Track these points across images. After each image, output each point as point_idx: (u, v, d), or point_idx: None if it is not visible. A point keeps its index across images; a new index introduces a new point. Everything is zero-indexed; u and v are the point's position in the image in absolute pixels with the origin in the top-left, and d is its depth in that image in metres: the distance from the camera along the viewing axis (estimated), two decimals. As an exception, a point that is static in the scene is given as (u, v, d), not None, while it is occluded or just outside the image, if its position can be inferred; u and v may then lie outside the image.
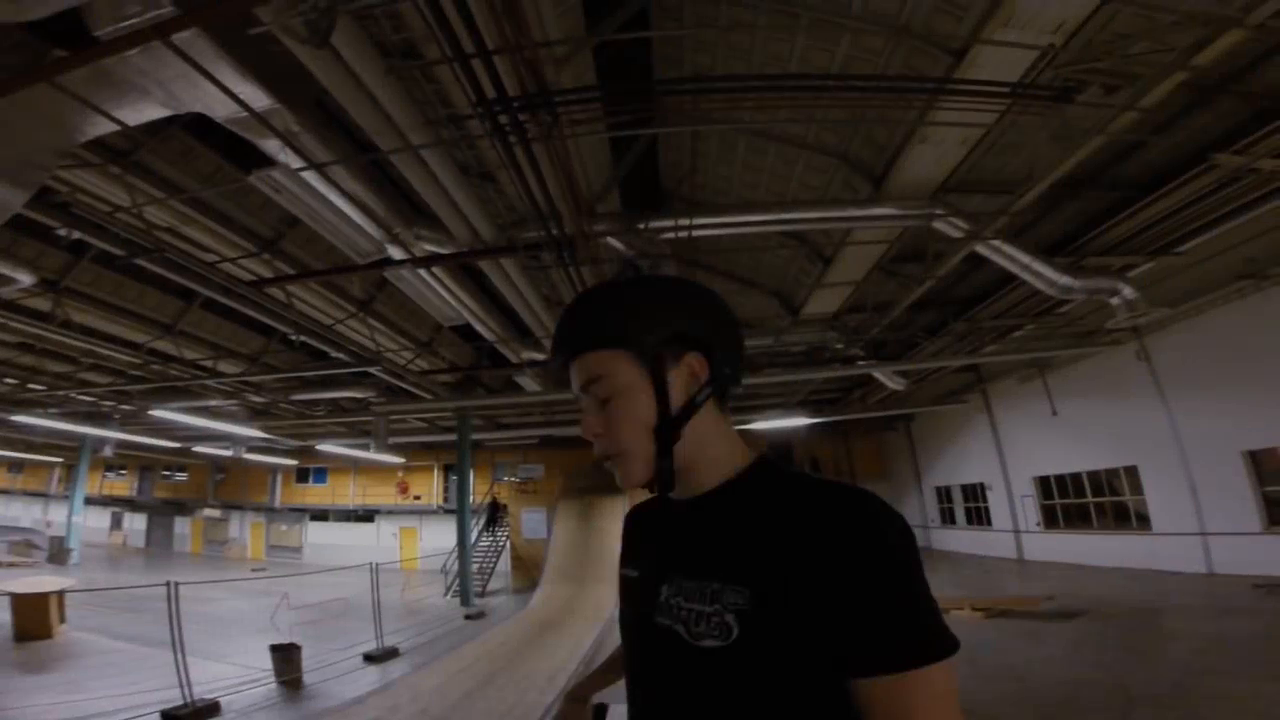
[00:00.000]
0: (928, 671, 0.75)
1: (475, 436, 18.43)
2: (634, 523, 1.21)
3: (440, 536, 24.12)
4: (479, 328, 10.79)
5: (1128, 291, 8.46)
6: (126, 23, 3.66)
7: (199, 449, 20.70)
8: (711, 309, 1.03)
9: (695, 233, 7.49)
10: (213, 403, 14.04)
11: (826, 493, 0.86)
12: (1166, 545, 12.61)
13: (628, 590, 1.07)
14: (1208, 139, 7.13)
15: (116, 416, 15.79)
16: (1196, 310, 11.28)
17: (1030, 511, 17.11)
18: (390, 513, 27.72)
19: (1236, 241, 9.26)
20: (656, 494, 1.02)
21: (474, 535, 21.69)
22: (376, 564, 10.87)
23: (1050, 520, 16.59)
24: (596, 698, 1.35)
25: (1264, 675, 5.93)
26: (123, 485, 32.26)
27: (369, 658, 9.21)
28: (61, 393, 13.12)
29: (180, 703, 6.46)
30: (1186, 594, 10.29)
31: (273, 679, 7.78)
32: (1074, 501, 15.78)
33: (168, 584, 6.98)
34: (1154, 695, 5.82)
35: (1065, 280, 8.18)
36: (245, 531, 29.92)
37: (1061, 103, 5.34)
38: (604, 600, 14.80)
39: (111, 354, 11.06)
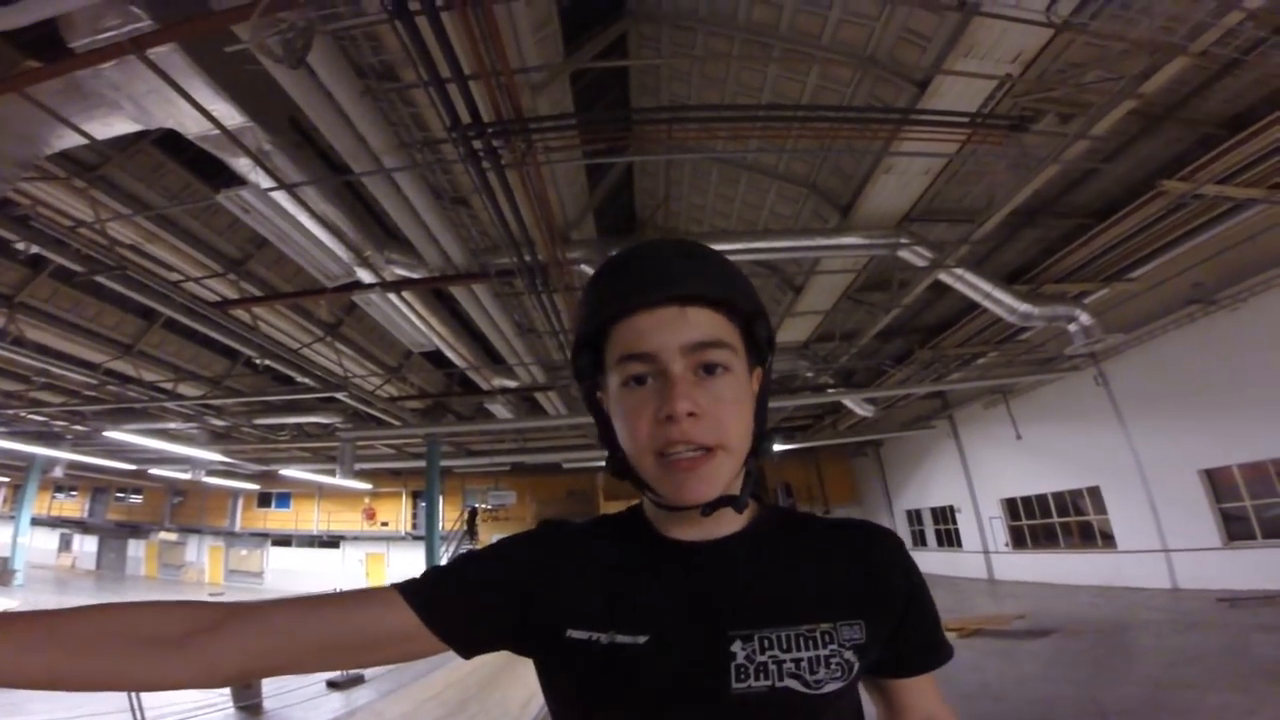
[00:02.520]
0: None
1: (445, 463, 18.14)
2: (574, 561, 0.89)
3: (408, 564, 23.62)
4: (450, 354, 10.69)
5: (1084, 318, 8.74)
6: (103, 35, 3.62)
7: (156, 471, 20.05)
8: None
9: (668, 260, 7.54)
10: (171, 425, 13.64)
11: (869, 528, 0.92)
12: (1131, 562, 12.85)
13: (630, 663, 0.79)
14: (1155, 166, 7.48)
15: (69, 437, 15.25)
16: (1149, 335, 11.65)
17: (999, 532, 17.34)
18: (356, 539, 27.07)
19: (1184, 267, 9.66)
20: (707, 515, 0.81)
21: (450, 551, 21.41)
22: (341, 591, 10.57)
23: (1018, 540, 16.83)
24: None
25: (1233, 687, 6.01)
26: (73, 506, 30.99)
27: (332, 684, 8.86)
28: (11, 411, 12.64)
29: None
30: (1153, 610, 10.44)
31: (230, 704, 7.48)
32: (1040, 522, 16.03)
33: None
34: (1127, 710, 5.87)
35: (1025, 307, 8.41)
36: (203, 555, 28.95)
37: (1018, 132, 5.56)
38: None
39: (66, 373, 10.69)
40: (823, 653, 0.77)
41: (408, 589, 0.86)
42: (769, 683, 0.75)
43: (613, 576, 0.86)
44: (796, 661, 0.76)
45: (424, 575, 0.89)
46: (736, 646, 0.77)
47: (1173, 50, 5.06)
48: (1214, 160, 6.74)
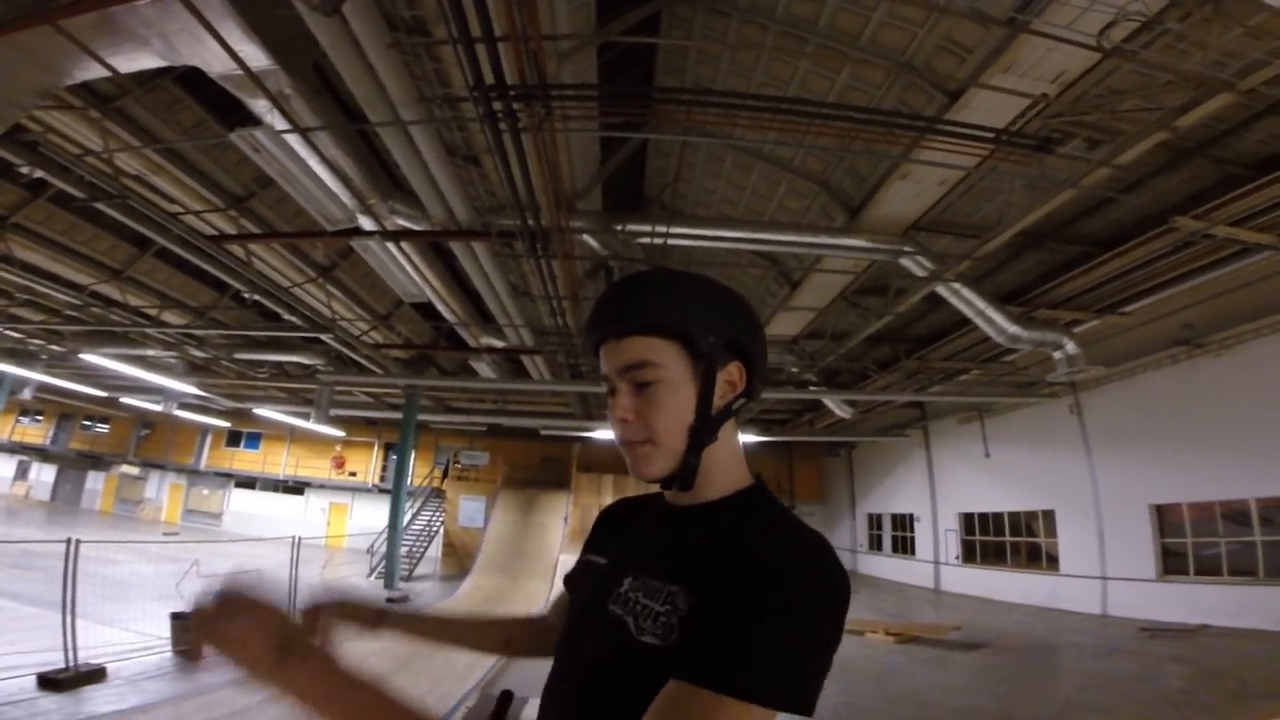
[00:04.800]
0: (716, 699, 0.72)
1: (421, 417, 18.07)
2: (612, 515, 1.24)
3: (372, 516, 23.53)
4: (441, 308, 10.64)
5: (1070, 347, 8.90)
6: (142, -28, 3.55)
7: (127, 400, 19.69)
8: (757, 323, 1.05)
9: (671, 241, 7.57)
10: (150, 352, 13.44)
11: (777, 530, 0.88)
12: (1069, 586, 13.26)
13: (588, 574, 1.09)
14: (1172, 201, 7.45)
15: (44, 357, 14.96)
16: (1130, 372, 11.86)
17: (951, 545, 17.72)
18: (322, 487, 26.85)
19: (1178, 307, 9.82)
20: (672, 490, 1.00)
21: (416, 507, 21.50)
22: (299, 538, 10.49)
23: (969, 554, 17.21)
24: (502, 685, 1.34)
25: (1137, 714, 6.37)
26: (37, 432, 30.12)
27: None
28: (-14, 326, 12.37)
29: (61, 666, 6.06)
30: (1080, 633, 10.86)
31: (169, 648, 7.40)
32: (993, 539, 16.42)
33: (68, 541, 6.53)
34: None
35: (1014, 329, 8.54)
36: (163, 493, 28.46)
37: (1042, 153, 5.54)
38: (536, 595, 14.71)
39: (50, 292, 10.47)
40: (658, 608, 0.88)
41: (565, 579, 1.24)
42: (620, 613, 0.91)
43: (620, 524, 1.18)
44: (643, 607, 0.90)
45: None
46: (627, 579, 0.95)
47: (1220, 86, 5.01)
48: (1232, 201, 6.71)
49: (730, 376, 0.99)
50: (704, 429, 0.97)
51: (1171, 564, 11.41)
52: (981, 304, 8.42)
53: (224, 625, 0.80)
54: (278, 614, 0.83)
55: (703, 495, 1.00)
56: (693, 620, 0.83)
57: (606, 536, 1.17)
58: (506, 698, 1.26)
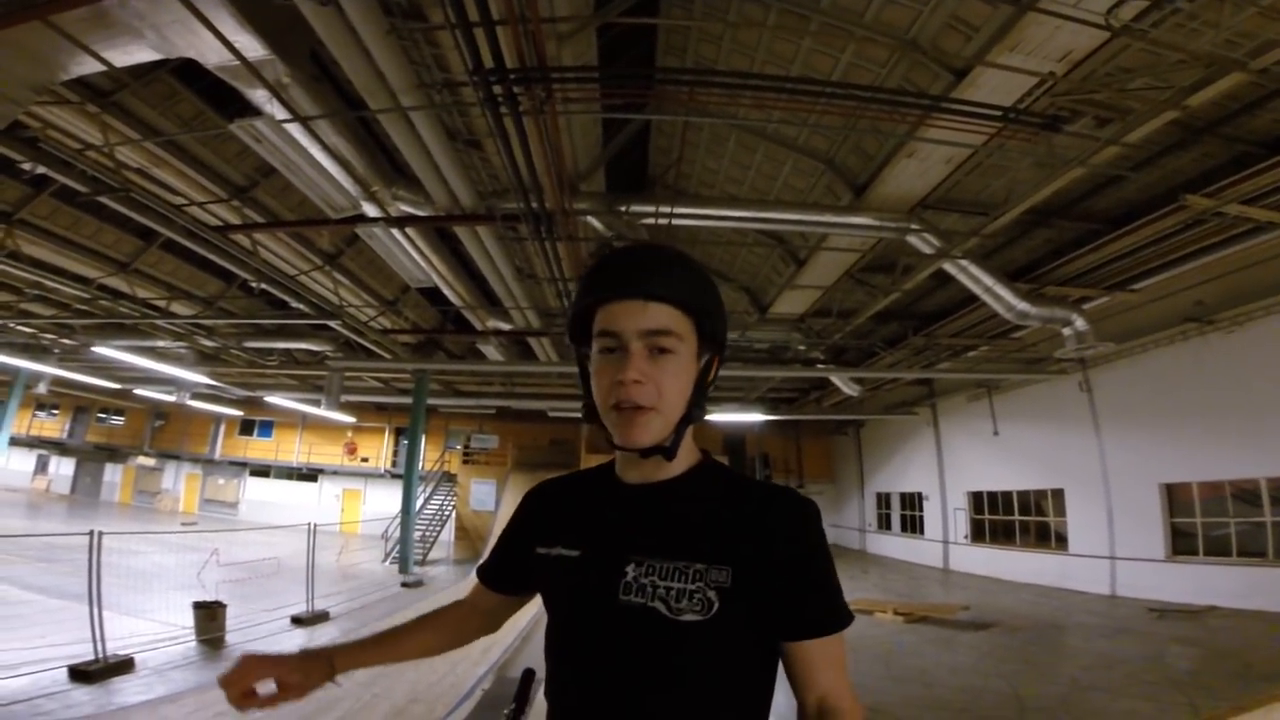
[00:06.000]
0: (840, 635, 0.99)
1: (431, 401, 18.16)
2: (549, 500, 1.23)
3: (385, 501, 23.69)
4: (447, 292, 10.68)
5: (1080, 323, 8.80)
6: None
7: (140, 392, 19.89)
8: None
9: (675, 221, 7.54)
10: (161, 343, 13.54)
11: (780, 494, 1.04)
12: (1078, 566, 13.22)
13: (565, 570, 1.07)
14: (1182, 179, 7.35)
15: (56, 351, 15.11)
16: (1140, 348, 11.75)
17: (960, 524, 17.68)
18: (335, 473, 27.01)
19: (1189, 284, 9.70)
20: (660, 460, 1.03)
21: (428, 492, 21.69)
22: (315, 525, 10.61)
23: (978, 534, 17.19)
24: (520, 665, 1.39)
25: (1141, 695, 6.38)
26: (53, 426, 30.31)
27: (297, 620, 8.98)
28: (-1, 322, 12.51)
29: (91, 658, 6.13)
30: (1088, 613, 10.86)
31: (193, 637, 7.51)
32: (1002, 518, 16.38)
33: (91, 533, 6.60)
34: (1043, 708, 6.23)
35: (1023, 306, 8.45)
36: (180, 483, 28.68)
37: (1050, 131, 5.47)
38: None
39: (60, 286, 10.57)
40: (689, 587, 0.94)
41: (479, 572, 1.31)
42: (643, 600, 0.95)
43: (571, 508, 1.16)
44: (667, 589, 0.95)
45: (487, 556, 1.31)
46: (630, 567, 0.98)
47: (1232, 65, 4.91)
48: (1244, 180, 6.61)
49: (712, 367, 1.07)
50: (697, 404, 1.03)
51: (1181, 544, 11.35)
52: (989, 280, 8.33)
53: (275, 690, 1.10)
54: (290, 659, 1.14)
55: (667, 471, 1.06)
56: (748, 588, 0.94)
57: (558, 524, 1.13)
58: (529, 676, 1.28)
